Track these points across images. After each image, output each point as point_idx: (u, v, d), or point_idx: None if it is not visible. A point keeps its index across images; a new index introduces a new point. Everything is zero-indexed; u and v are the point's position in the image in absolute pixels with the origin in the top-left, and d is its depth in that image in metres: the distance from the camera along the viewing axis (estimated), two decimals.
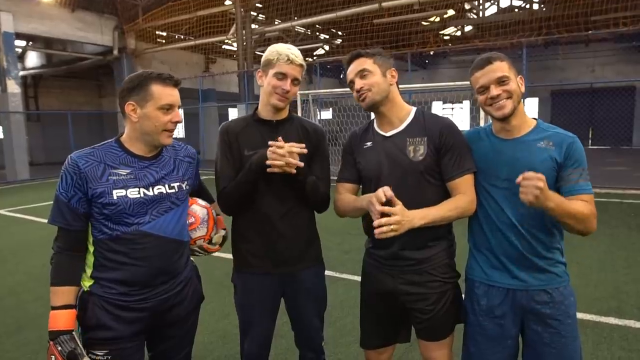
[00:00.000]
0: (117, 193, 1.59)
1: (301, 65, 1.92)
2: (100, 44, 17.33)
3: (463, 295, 1.94)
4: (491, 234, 1.77)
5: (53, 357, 1.52)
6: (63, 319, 1.56)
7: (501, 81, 1.66)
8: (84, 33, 16.51)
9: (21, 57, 19.62)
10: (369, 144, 1.91)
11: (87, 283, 1.66)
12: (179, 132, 27.58)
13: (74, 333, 1.57)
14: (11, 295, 4.37)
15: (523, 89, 1.72)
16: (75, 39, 16.57)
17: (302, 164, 1.81)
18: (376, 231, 1.59)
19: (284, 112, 2.02)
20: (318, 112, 14.15)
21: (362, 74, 1.81)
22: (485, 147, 1.80)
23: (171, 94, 1.63)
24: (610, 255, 5.09)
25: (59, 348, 1.52)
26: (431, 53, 23.17)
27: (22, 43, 18.02)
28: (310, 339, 2.11)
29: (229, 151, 1.99)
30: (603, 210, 7.48)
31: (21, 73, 18.79)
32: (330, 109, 23.35)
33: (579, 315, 3.49)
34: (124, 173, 1.62)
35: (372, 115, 2.00)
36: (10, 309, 4.04)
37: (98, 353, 1.63)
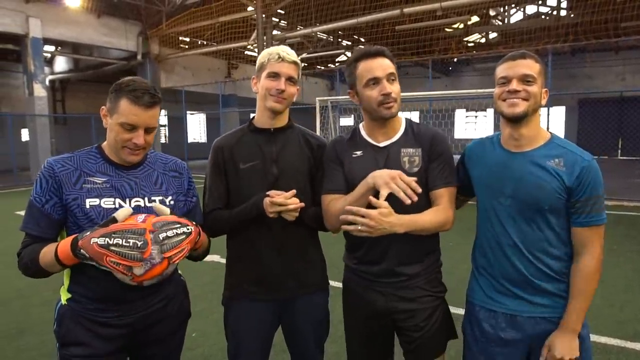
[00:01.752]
0: (90, 202, 1.50)
1: (294, 62, 1.78)
2: (125, 49, 17.65)
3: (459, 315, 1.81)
4: (493, 255, 1.64)
5: (94, 240, 1.28)
6: (69, 238, 1.37)
7: (526, 80, 1.53)
8: (109, 38, 16.84)
9: (50, 62, 20.16)
10: (358, 153, 1.77)
11: (64, 296, 1.58)
12: (201, 137, 27.93)
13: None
14: (18, 299, 4.36)
15: (544, 102, 1.58)
16: (101, 44, 16.89)
17: (302, 205, 1.70)
18: (344, 227, 1.56)
19: (283, 118, 1.87)
20: (338, 119, 14.04)
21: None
22: (491, 160, 1.65)
23: (136, 115, 1.47)
24: (638, 274, 4.80)
25: (87, 233, 1.31)
26: (454, 60, 22.86)
27: (52, 48, 18.49)
28: None
29: (222, 170, 1.86)
30: (632, 226, 7.13)
31: (50, 77, 19.32)
32: (352, 115, 23.23)
33: (602, 339, 3.28)
34: (100, 181, 1.53)
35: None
36: (15, 313, 4.02)
37: None
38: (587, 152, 1.56)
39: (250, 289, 1.85)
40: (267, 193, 1.72)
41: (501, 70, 1.58)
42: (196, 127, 27.99)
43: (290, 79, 1.78)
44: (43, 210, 1.49)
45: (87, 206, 1.49)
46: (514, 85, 1.52)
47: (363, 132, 1.82)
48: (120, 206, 1.52)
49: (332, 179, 1.80)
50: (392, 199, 1.54)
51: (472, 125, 24.89)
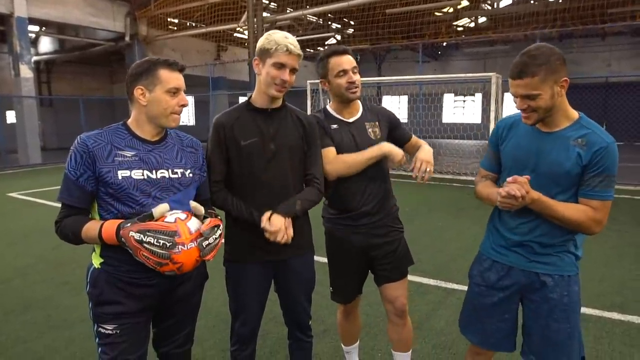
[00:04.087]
0: (122, 174, 1.64)
1: (299, 55, 1.94)
2: (112, 30, 17.39)
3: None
4: (506, 218, 1.84)
5: (132, 234, 1.48)
6: (114, 222, 1.57)
7: (529, 97, 1.64)
8: (96, 19, 16.57)
9: (34, 42, 19.76)
10: (335, 126, 2.26)
11: (97, 261, 1.72)
12: (190, 119, 27.74)
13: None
14: (19, 277, 4.45)
15: (562, 92, 1.66)
16: (88, 25, 16.64)
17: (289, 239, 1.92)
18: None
19: (279, 100, 2.04)
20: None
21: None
22: (522, 137, 1.80)
23: (177, 78, 1.71)
24: (617, 251, 5.06)
25: (128, 224, 1.51)
26: (443, 44, 22.92)
27: (36, 28, 18.13)
28: (298, 318, 2.20)
29: (223, 146, 1.99)
30: (613, 207, 7.35)
31: (34, 58, 18.96)
32: None
33: (582, 309, 3.49)
34: (129, 155, 1.67)
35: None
36: (18, 290, 4.12)
37: (107, 327, 1.69)
38: (610, 135, 1.67)
39: (250, 252, 2.04)
40: (263, 225, 1.89)
41: (510, 84, 1.69)
42: (185, 109, 27.74)
43: (292, 70, 1.95)
44: (77, 183, 1.62)
45: (120, 177, 1.63)
46: (519, 103, 1.68)
47: (332, 112, 2.32)
48: (149, 177, 1.68)
49: (326, 141, 2.24)
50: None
51: (460, 110, 25.09)
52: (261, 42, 1.96)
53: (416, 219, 6.62)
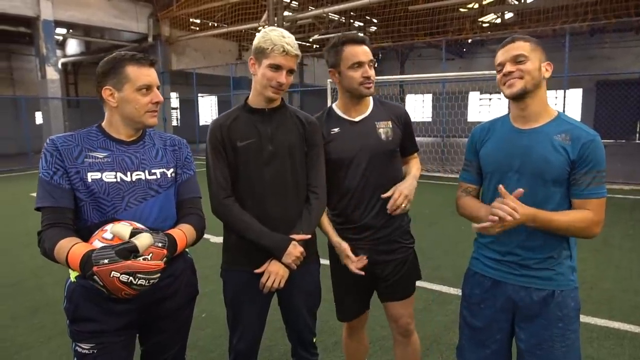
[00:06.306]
0: (92, 176, 1.53)
1: (296, 56, 1.82)
2: (136, 32, 17.62)
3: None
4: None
5: (114, 274, 1.30)
6: (82, 247, 1.38)
7: (517, 60, 1.60)
8: (120, 20, 16.80)
9: (62, 45, 20.20)
10: (336, 130, 2.01)
11: (73, 274, 1.60)
12: (212, 116, 27.96)
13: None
14: (32, 278, 4.45)
15: (547, 75, 1.62)
16: (112, 27, 16.87)
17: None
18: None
19: (277, 100, 1.92)
20: None
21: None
22: (500, 137, 1.71)
23: (147, 74, 1.57)
24: None
25: (106, 261, 1.30)
26: (469, 41, 22.40)
27: (63, 31, 18.51)
28: (301, 335, 2.05)
29: (221, 149, 1.87)
30: None
31: (62, 60, 19.39)
32: None
33: (615, 324, 3.24)
34: (101, 156, 1.57)
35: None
36: (29, 291, 4.10)
37: (84, 346, 1.56)
38: (592, 130, 1.59)
39: (248, 261, 1.89)
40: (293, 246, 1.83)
41: (497, 58, 1.67)
42: (207, 109, 28.01)
43: (290, 71, 1.83)
44: (53, 182, 1.52)
45: (89, 180, 1.53)
46: (507, 67, 1.61)
47: (338, 111, 2.07)
48: (122, 180, 1.56)
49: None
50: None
51: (486, 108, 24.50)
52: (257, 40, 1.83)
53: (437, 222, 6.37)
